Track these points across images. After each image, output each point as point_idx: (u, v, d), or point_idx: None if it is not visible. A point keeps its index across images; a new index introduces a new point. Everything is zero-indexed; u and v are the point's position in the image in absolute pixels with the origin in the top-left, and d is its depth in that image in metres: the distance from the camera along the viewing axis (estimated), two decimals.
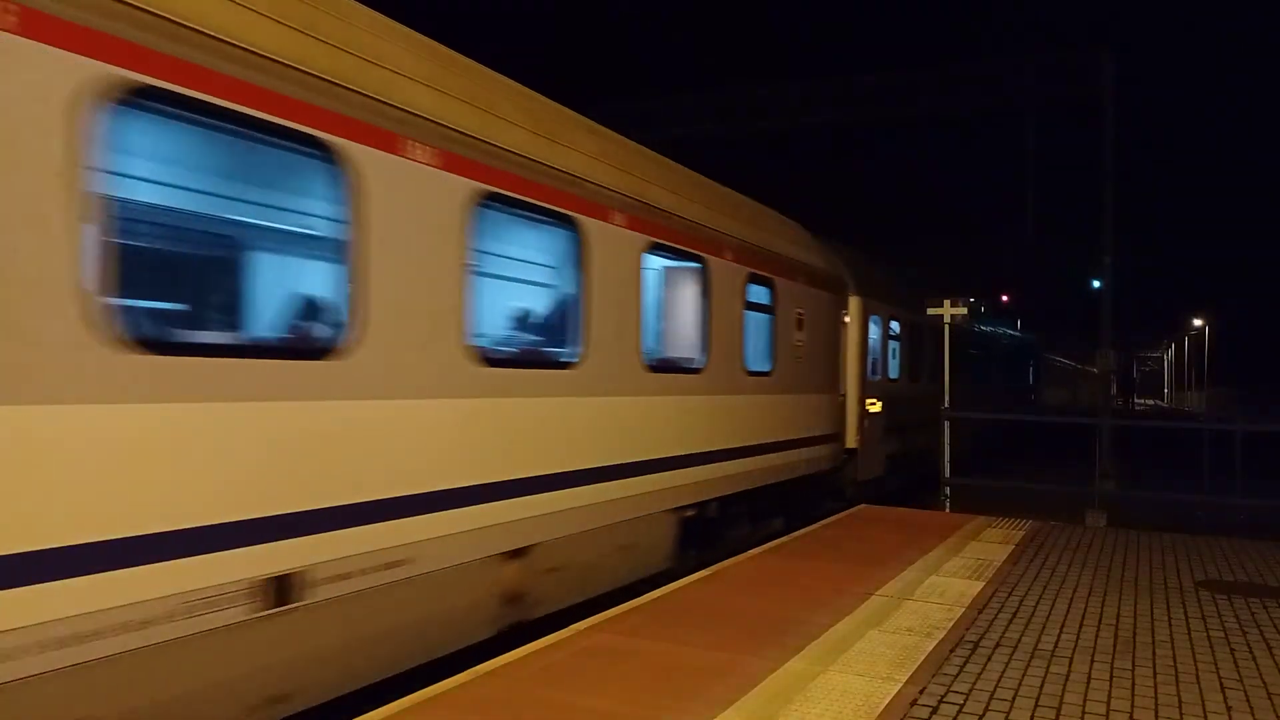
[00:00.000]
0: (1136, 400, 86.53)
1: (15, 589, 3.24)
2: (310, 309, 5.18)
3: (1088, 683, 4.94)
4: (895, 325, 15.18)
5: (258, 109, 4.16)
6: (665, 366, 7.89)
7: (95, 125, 3.54)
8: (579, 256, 6.59)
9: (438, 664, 5.40)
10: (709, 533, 8.72)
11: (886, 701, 4.51)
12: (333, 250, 4.69)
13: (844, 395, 12.35)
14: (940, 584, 7.07)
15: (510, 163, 5.80)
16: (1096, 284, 22.13)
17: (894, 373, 15.21)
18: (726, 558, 7.91)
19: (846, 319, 12.68)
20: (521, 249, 7.89)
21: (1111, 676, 5.06)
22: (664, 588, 6.79)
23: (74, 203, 3.46)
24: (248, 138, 4.34)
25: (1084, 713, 4.51)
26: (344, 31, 4.75)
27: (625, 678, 4.77)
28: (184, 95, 3.84)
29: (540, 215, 6.26)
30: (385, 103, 4.85)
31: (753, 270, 9.37)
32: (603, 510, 6.82)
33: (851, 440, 12.58)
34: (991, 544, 8.90)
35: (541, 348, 6.83)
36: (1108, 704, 4.64)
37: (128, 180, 4.64)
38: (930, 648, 5.41)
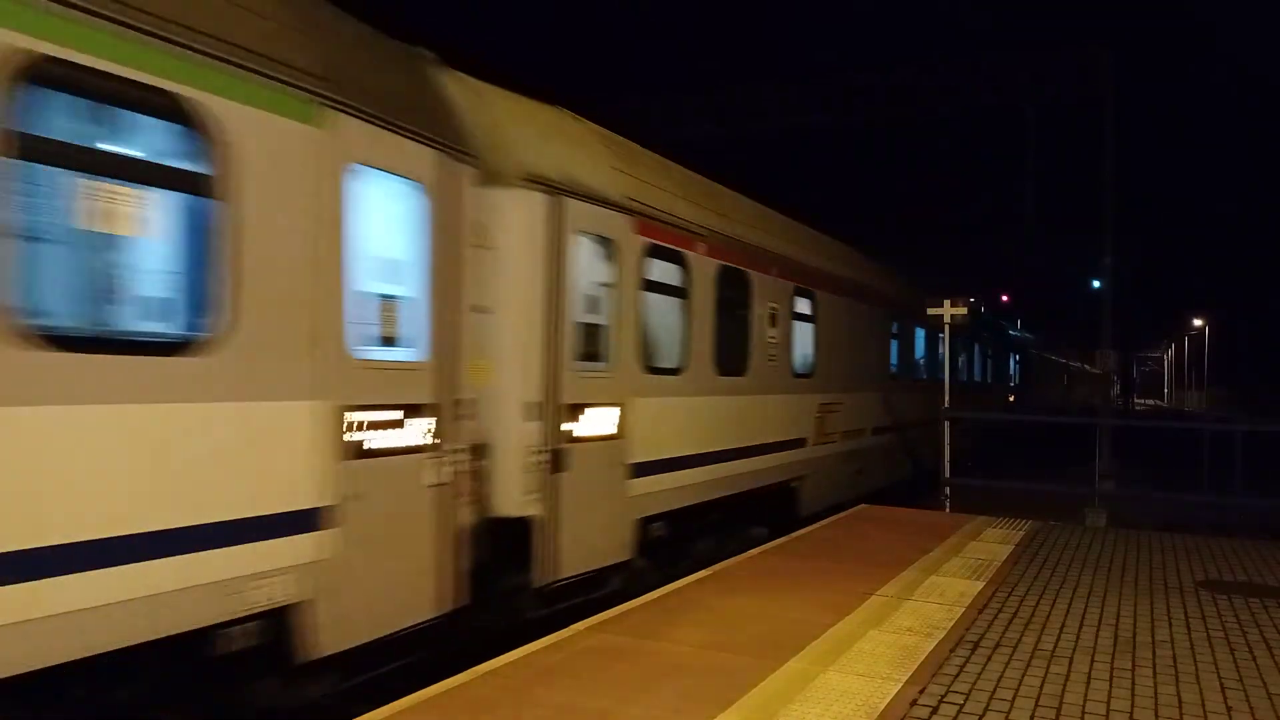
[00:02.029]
0: (1136, 400, 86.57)
1: None
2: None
3: (1088, 683, 4.94)
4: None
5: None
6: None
7: None
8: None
9: (438, 664, 5.40)
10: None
11: (886, 702, 4.51)
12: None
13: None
14: (940, 584, 7.07)
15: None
16: (1096, 284, 22.14)
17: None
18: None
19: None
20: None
21: (1111, 676, 5.06)
22: (664, 588, 6.79)
23: None
24: None
25: (1084, 713, 4.51)
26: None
27: (625, 678, 4.77)
28: None
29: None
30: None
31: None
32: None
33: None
34: (991, 544, 8.89)
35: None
36: (1108, 704, 4.63)
37: None
38: (930, 648, 5.41)
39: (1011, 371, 30.79)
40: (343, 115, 4.78)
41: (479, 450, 5.93)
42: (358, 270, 4.96)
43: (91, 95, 3.82)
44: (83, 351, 3.65)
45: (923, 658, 5.22)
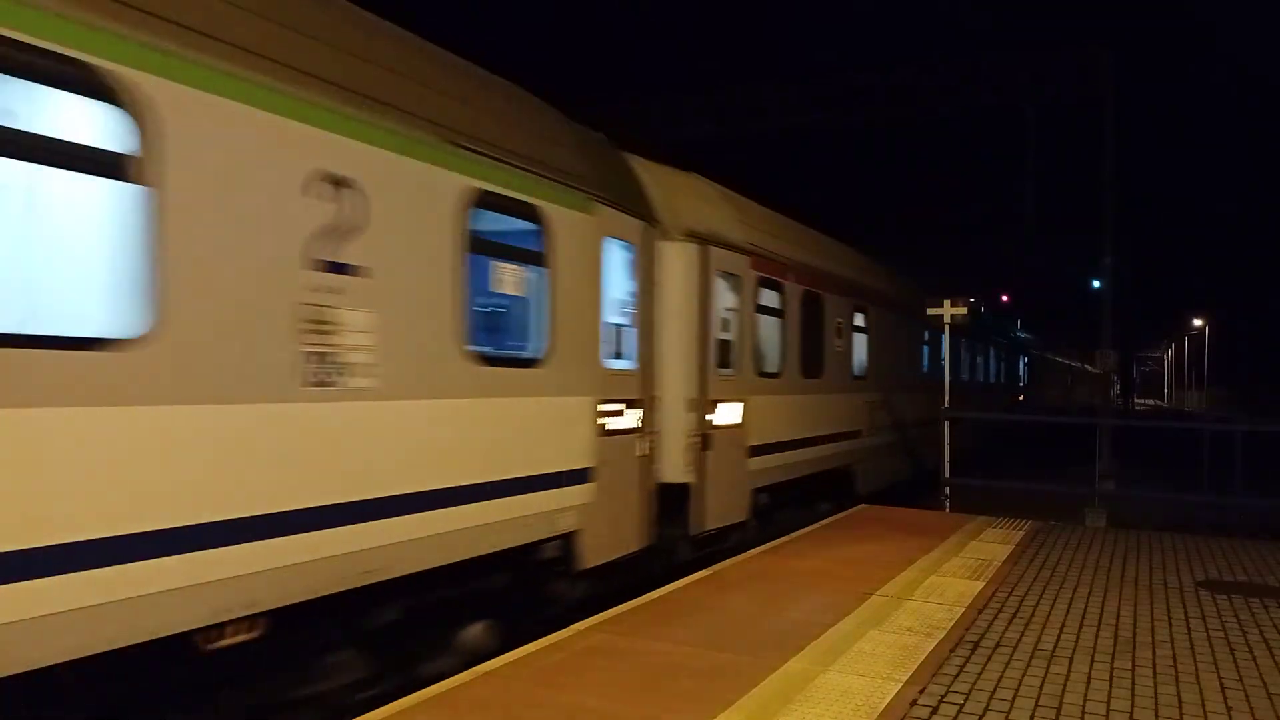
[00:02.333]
0: (1136, 400, 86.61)
1: None
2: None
3: (1088, 683, 4.94)
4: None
5: None
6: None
7: None
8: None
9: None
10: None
11: (886, 702, 4.51)
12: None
13: None
14: (940, 584, 7.07)
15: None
16: (1096, 284, 22.14)
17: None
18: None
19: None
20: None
21: (1111, 676, 5.06)
22: (664, 587, 6.79)
23: None
24: None
25: (1084, 713, 4.51)
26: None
27: (625, 678, 4.77)
28: None
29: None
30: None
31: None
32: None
33: None
34: (991, 544, 8.90)
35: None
36: (1108, 704, 4.64)
37: None
38: (930, 648, 5.42)
39: (1021, 373, 33.10)
40: (601, 205, 6.99)
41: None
42: (605, 308, 7.15)
43: (505, 211, 5.99)
44: (503, 366, 5.97)
45: (923, 658, 5.22)
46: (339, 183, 4.65)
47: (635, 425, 7.48)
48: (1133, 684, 4.95)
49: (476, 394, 5.61)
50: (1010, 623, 6.09)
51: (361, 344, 4.76)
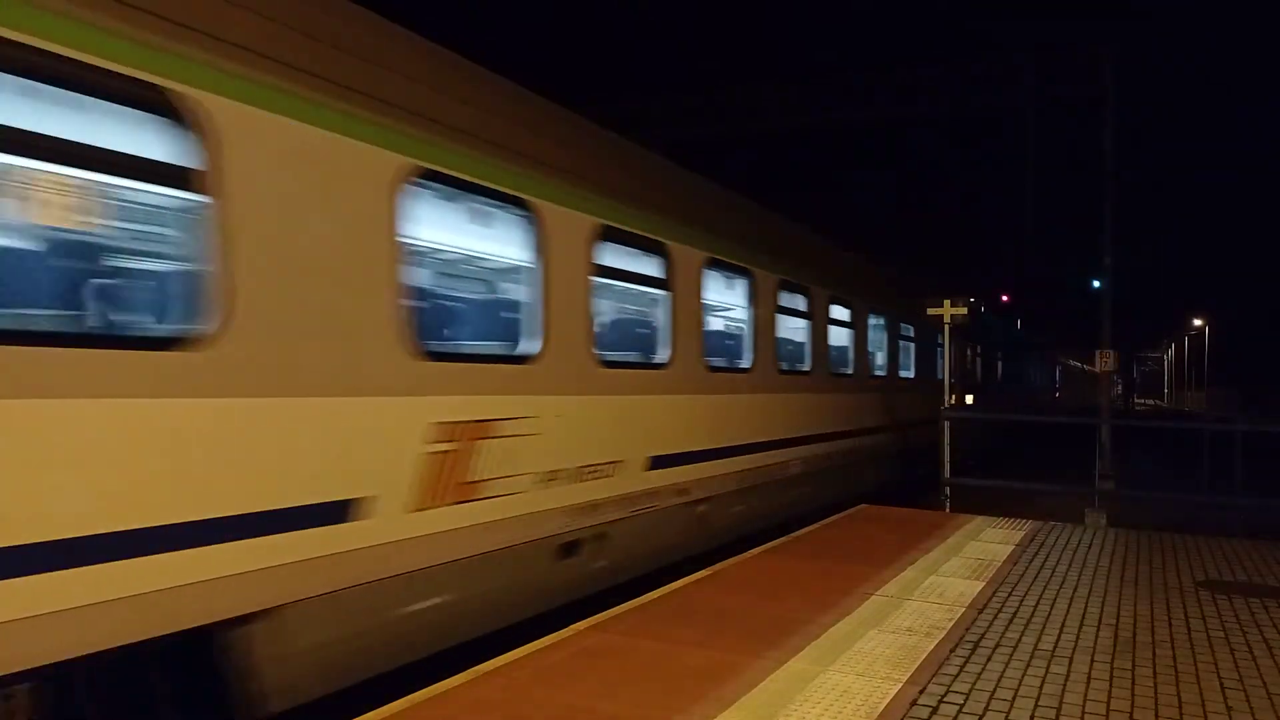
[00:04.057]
0: (1137, 400, 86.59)
1: None
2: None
3: (1088, 683, 4.94)
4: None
5: None
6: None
7: None
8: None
9: (437, 664, 5.40)
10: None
11: (886, 702, 4.51)
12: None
13: None
14: (940, 584, 7.07)
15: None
16: (1096, 284, 22.10)
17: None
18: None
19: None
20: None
21: (1111, 676, 5.06)
22: (664, 587, 6.79)
23: None
24: None
25: (1084, 713, 4.51)
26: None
27: (625, 678, 4.77)
28: None
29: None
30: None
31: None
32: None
33: None
34: (991, 544, 8.89)
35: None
36: (1108, 704, 4.63)
37: None
38: (930, 648, 5.41)
39: (1057, 379, 44.05)
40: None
41: None
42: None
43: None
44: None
45: (923, 658, 5.22)
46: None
47: None
48: (1133, 684, 4.95)
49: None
50: (1010, 623, 6.08)
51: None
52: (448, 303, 6.63)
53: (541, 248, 6.39)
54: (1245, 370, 60.32)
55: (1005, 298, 44.30)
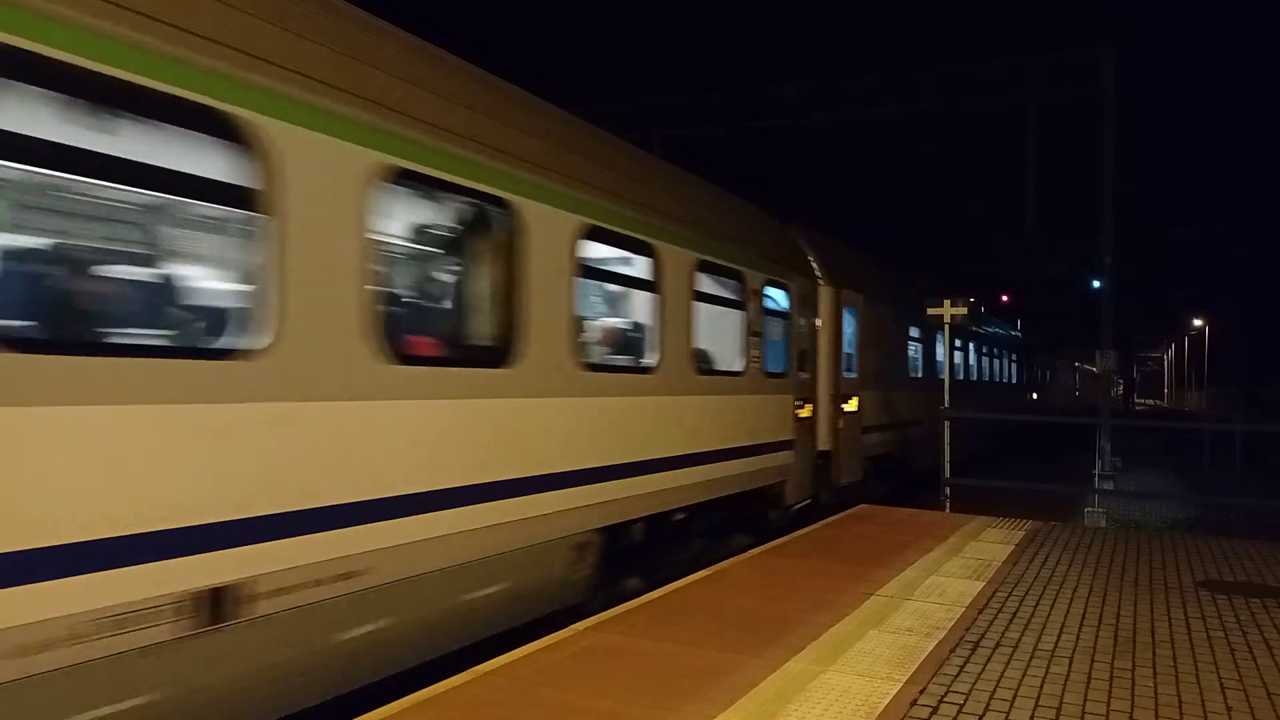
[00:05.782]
0: (1137, 400, 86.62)
1: None
2: None
3: (1088, 683, 4.94)
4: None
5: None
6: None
7: None
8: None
9: (437, 664, 5.40)
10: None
11: (886, 701, 4.51)
12: None
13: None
14: (940, 584, 7.07)
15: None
16: (1096, 284, 22.11)
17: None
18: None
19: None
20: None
21: (1111, 676, 5.06)
22: (664, 588, 6.79)
23: None
24: None
25: (1084, 713, 4.51)
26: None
27: (625, 678, 4.77)
28: None
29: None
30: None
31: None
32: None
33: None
34: (991, 544, 8.90)
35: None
36: (1108, 704, 4.63)
37: None
38: (930, 648, 5.41)
39: (1076, 382, 50.34)
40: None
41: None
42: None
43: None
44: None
45: (923, 658, 5.22)
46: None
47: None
48: (1133, 684, 4.95)
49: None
50: (1010, 623, 6.09)
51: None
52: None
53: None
54: (1245, 370, 60.34)
55: (1005, 298, 44.33)
